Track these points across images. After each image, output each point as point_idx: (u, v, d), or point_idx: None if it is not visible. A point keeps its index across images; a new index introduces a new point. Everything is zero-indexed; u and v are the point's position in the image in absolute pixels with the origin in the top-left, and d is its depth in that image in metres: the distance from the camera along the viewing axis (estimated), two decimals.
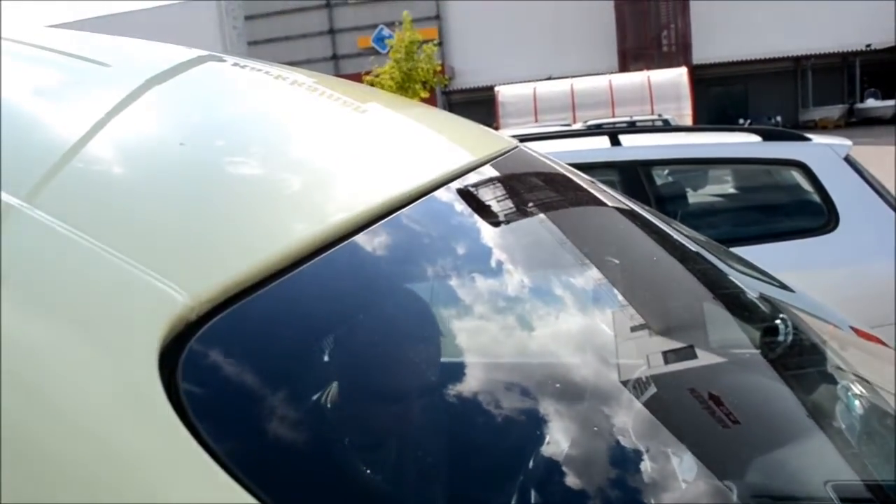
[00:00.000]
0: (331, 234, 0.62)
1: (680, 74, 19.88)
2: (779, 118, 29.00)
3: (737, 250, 2.86)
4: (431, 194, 0.85)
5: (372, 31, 29.46)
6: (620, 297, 1.09)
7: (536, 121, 18.70)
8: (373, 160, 0.91)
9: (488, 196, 1.03)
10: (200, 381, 0.45)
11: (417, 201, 0.80)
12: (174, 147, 0.67)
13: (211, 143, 0.75)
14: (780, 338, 1.23)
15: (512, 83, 22.36)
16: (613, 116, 17.20)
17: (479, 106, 24.21)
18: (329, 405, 0.55)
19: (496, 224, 0.99)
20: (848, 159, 3.06)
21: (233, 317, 0.48)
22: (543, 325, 0.89)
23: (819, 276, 2.86)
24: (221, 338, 0.47)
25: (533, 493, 0.65)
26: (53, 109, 0.70)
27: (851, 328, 1.59)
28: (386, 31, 26.48)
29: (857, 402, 1.13)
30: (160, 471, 0.39)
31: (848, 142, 3.20)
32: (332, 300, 0.63)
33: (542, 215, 1.12)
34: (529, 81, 22.15)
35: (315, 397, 0.54)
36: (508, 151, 1.22)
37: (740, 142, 3.39)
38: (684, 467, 0.78)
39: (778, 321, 1.28)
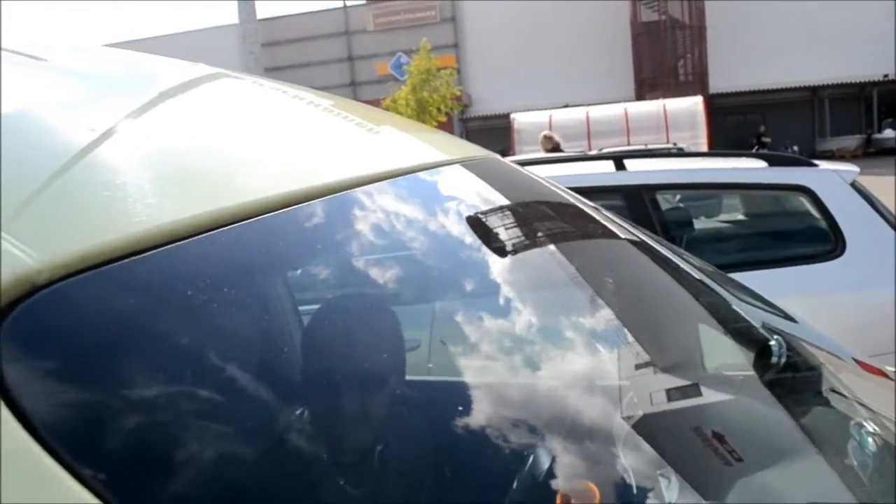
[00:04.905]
0: (216, 219, 0.60)
1: (695, 103, 19.83)
2: (795, 147, 28.81)
3: (743, 275, 2.85)
4: (387, 181, 0.87)
5: (391, 58, 29.74)
6: (589, 316, 1.08)
7: None
8: (295, 151, 0.89)
9: (454, 191, 1.04)
10: (25, 344, 0.45)
11: (346, 191, 0.79)
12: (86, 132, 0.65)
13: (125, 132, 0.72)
14: (775, 359, 1.22)
15: (529, 111, 22.44)
16: (629, 144, 17.16)
17: (495, 133, 24.25)
18: (156, 392, 0.53)
19: (458, 219, 0.99)
20: (854, 185, 3.04)
21: (71, 286, 0.48)
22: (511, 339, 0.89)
23: (825, 302, 2.84)
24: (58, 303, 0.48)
25: None
26: None
27: (855, 360, 1.57)
28: (404, 59, 26.67)
29: (856, 428, 1.11)
30: None
31: (855, 168, 3.18)
32: (197, 284, 0.60)
33: (510, 218, 1.12)
34: (546, 109, 22.22)
35: (141, 382, 0.53)
36: (482, 158, 1.23)
37: (746, 167, 3.38)
38: (671, 490, 0.78)
39: (773, 342, 1.26)
